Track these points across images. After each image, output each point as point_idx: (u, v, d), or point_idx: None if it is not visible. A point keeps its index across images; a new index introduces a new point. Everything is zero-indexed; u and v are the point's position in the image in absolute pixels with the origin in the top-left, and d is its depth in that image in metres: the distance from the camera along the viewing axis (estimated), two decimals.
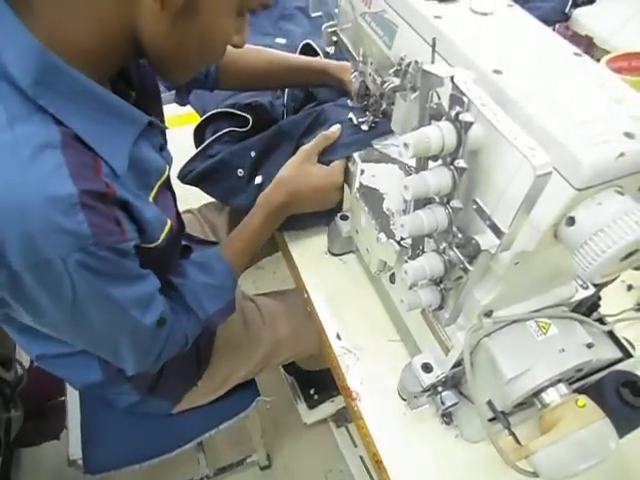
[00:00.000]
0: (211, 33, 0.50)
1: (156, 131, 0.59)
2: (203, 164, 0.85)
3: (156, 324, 0.56)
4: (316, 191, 0.73)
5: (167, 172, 0.59)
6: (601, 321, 0.59)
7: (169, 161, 0.61)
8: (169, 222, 0.56)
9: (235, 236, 0.73)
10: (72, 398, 0.94)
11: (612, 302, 0.61)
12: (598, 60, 0.90)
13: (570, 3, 1.19)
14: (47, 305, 0.47)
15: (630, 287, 0.75)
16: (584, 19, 1.16)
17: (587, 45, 1.12)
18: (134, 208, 0.49)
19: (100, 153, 0.46)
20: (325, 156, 0.74)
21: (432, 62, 0.44)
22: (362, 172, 0.69)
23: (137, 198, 0.50)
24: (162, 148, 0.61)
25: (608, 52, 0.98)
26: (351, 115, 0.76)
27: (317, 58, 0.91)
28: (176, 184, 0.91)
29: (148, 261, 0.54)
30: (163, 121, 0.68)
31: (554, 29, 1.20)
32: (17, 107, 0.42)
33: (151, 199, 0.55)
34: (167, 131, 0.64)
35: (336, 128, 0.75)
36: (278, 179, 0.73)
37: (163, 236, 0.55)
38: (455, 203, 0.42)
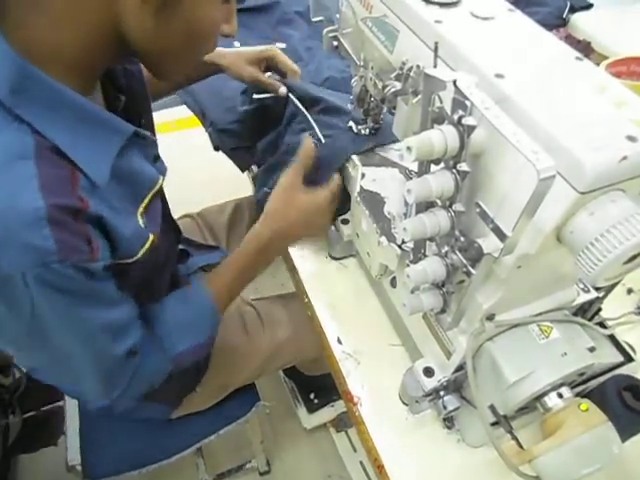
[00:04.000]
0: (197, 22, 0.49)
1: (149, 141, 0.57)
2: None
3: (125, 354, 0.53)
4: (306, 217, 0.70)
5: (160, 183, 0.58)
6: (602, 325, 0.59)
7: (163, 172, 0.60)
8: (151, 237, 0.54)
9: (222, 270, 0.69)
10: (70, 403, 0.94)
11: (612, 306, 0.61)
12: (597, 65, 0.91)
13: (568, 8, 1.19)
14: (5, 320, 0.45)
15: (630, 290, 0.75)
16: (582, 24, 1.17)
17: (585, 50, 1.13)
18: (109, 224, 0.47)
19: (79, 164, 0.45)
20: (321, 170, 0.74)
21: (434, 66, 0.44)
22: (363, 176, 0.69)
23: (117, 213, 0.48)
24: (156, 159, 0.60)
25: (606, 57, 0.98)
26: (351, 123, 0.76)
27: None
28: (175, 189, 0.92)
29: (134, 275, 0.53)
30: (153, 127, 0.67)
31: None
32: None
33: (141, 210, 0.54)
34: (163, 136, 0.63)
35: (306, 149, 0.72)
36: (266, 213, 0.70)
37: (143, 251, 0.53)
38: (458, 206, 0.42)
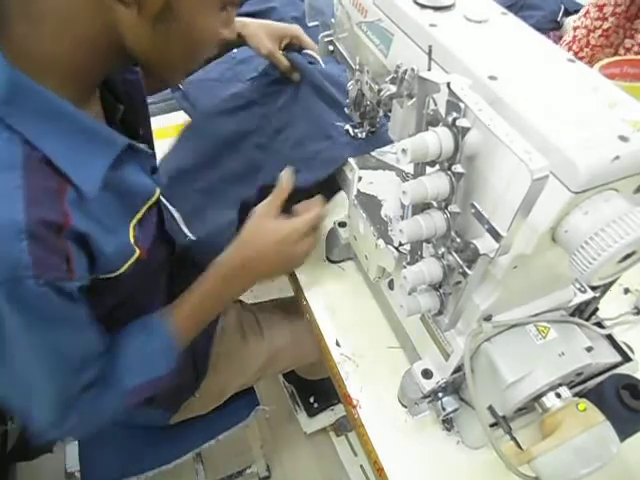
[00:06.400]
0: (195, 31, 0.49)
1: (148, 153, 0.57)
2: None
3: (83, 387, 0.52)
4: (277, 247, 0.64)
5: (157, 195, 0.57)
6: (599, 325, 0.59)
7: (160, 184, 0.59)
8: (137, 252, 0.53)
9: (185, 301, 0.64)
10: None
11: (609, 305, 0.61)
12: (590, 67, 0.92)
13: (562, 12, 1.21)
14: None
15: (627, 290, 0.76)
16: None
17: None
18: (92, 241, 0.46)
19: (69, 175, 0.44)
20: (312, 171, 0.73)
21: (428, 69, 0.44)
22: (360, 179, 0.70)
23: (102, 228, 0.48)
24: (154, 171, 0.59)
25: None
26: (348, 127, 0.76)
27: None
28: None
29: (120, 287, 0.52)
30: (151, 137, 0.67)
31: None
32: None
33: (135, 222, 0.53)
34: (161, 142, 0.63)
35: (285, 179, 0.67)
36: (236, 242, 0.65)
37: (127, 266, 0.52)
38: (453, 208, 0.42)
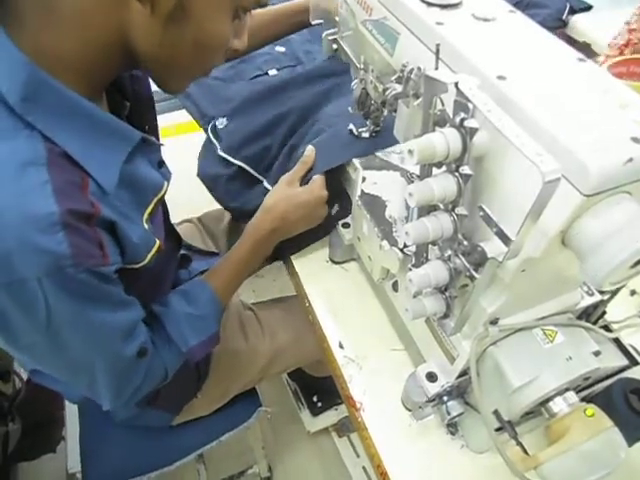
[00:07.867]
0: (205, 36, 0.49)
1: (154, 147, 0.58)
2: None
3: (136, 355, 0.54)
4: (302, 208, 0.72)
5: (165, 189, 0.58)
6: (607, 328, 0.58)
7: (167, 178, 0.60)
8: (157, 242, 0.55)
9: (222, 265, 0.71)
10: (71, 410, 0.94)
11: (615, 308, 0.61)
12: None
13: (567, 10, 1.19)
14: (20, 326, 0.45)
15: (633, 292, 0.75)
16: (581, 26, 1.17)
17: (584, 52, 1.12)
18: (119, 229, 0.48)
19: (88, 170, 0.45)
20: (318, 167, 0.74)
21: (435, 68, 0.43)
22: (364, 179, 0.69)
23: (124, 218, 0.49)
24: (160, 165, 0.60)
25: None
26: (351, 126, 0.75)
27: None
28: (175, 194, 0.91)
29: (137, 281, 0.53)
30: (157, 133, 0.68)
31: None
32: (4, 123, 0.42)
33: (146, 216, 0.54)
34: (165, 140, 0.63)
35: (310, 151, 0.75)
36: (263, 207, 0.73)
37: (150, 256, 0.54)
38: (460, 210, 0.41)
